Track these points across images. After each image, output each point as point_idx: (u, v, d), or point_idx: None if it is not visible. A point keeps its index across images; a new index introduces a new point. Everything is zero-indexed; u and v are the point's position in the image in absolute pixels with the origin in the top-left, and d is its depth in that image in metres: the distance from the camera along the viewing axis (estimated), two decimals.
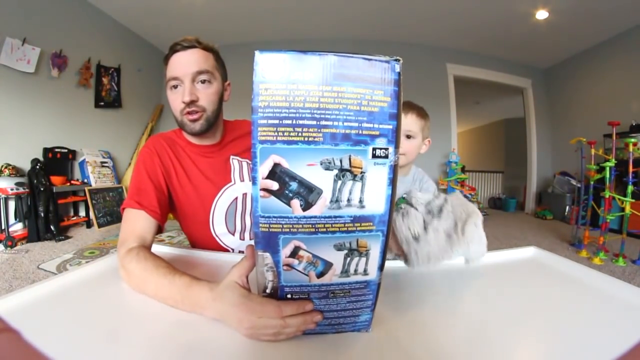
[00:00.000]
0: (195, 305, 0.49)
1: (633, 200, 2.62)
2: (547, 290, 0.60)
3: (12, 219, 2.79)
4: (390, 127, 0.33)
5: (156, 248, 0.84)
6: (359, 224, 0.35)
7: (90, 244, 2.83)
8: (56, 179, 3.14)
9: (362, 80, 0.32)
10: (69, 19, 3.36)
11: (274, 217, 0.34)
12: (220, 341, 0.44)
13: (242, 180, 0.88)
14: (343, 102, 0.32)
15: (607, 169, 2.76)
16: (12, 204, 2.81)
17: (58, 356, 0.38)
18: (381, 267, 0.38)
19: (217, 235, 0.86)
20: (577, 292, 0.60)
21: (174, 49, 0.79)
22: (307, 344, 0.43)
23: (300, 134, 0.32)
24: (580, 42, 4.27)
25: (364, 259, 0.37)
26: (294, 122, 0.31)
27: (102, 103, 3.83)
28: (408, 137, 0.89)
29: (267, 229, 0.34)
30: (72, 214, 3.51)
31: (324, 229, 0.35)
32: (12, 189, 2.70)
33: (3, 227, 2.67)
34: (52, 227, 2.94)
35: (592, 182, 3.01)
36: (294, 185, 0.33)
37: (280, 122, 0.31)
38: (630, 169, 2.66)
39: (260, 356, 0.41)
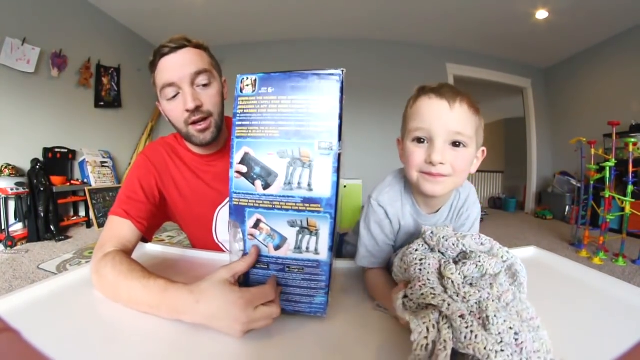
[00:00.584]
0: (173, 311, 0.46)
1: (633, 200, 2.62)
2: (547, 290, 0.60)
3: (12, 219, 2.79)
4: (334, 124, 0.41)
5: (156, 248, 0.84)
6: (308, 205, 0.42)
7: (90, 244, 2.83)
8: (56, 179, 3.14)
9: (311, 89, 0.41)
10: (69, 19, 3.35)
11: (243, 193, 0.43)
12: (219, 335, 0.44)
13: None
14: (294, 107, 0.41)
15: (607, 168, 2.75)
16: (12, 204, 2.81)
17: (58, 356, 0.38)
18: (331, 248, 0.43)
19: (220, 242, 0.85)
20: (577, 292, 0.60)
21: (162, 52, 0.70)
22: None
23: (263, 131, 0.42)
24: (580, 42, 4.26)
25: (314, 238, 0.43)
26: (259, 122, 0.42)
27: (102, 103, 3.83)
28: (456, 144, 0.52)
29: (238, 202, 0.44)
30: (72, 214, 3.51)
31: (279, 206, 0.42)
32: (12, 189, 2.70)
33: (3, 227, 2.67)
34: (52, 227, 2.94)
35: (592, 182, 3.00)
36: (257, 169, 0.42)
37: (250, 123, 0.42)
38: (630, 169, 2.65)
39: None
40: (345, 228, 0.95)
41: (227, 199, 0.79)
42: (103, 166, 3.72)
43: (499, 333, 0.33)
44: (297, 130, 0.41)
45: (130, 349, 0.42)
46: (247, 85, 0.43)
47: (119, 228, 0.67)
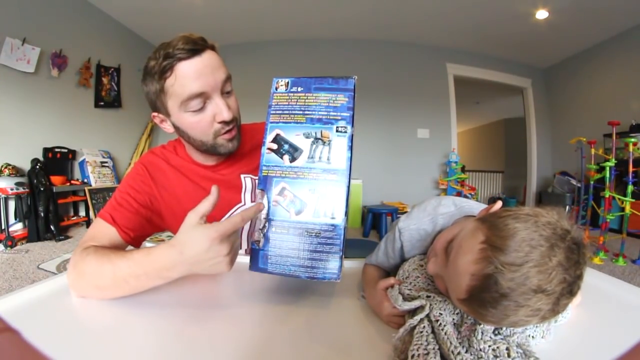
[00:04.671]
0: (161, 270, 0.48)
1: (633, 200, 2.62)
2: None
3: (12, 219, 2.79)
4: (348, 114, 0.51)
5: None
6: (327, 175, 0.50)
7: None
8: (56, 179, 3.14)
9: (330, 89, 0.52)
10: (69, 18, 3.36)
11: (272, 165, 0.52)
12: (223, 332, 0.44)
13: (253, 200, 0.75)
14: (318, 101, 0.52)
15: (607, 168, 2.76)
16: (12, 204, 2.81)
17: (58, 356, 0.38)
18: (346, 213, 0.50)
19: None
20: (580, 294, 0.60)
21: (179, 56, 0.59)
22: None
23: (293, 118, 0.53)
24: (580, 42, 4.26)
25: (331, 204, 0.50)
26: (290, 112, 0.53)
27: (102, 103, 3.83)
28: None
29: (267, 173, 0.52)
30: (72, 213, 3.51)
31: (303, 176, 0.51)
32: (12, 189, 2.70)
33: (3, 227, 2.67)
34: (52, 227, 2.94)
35: (592, 182, 3.01)
36: (286, 146, 0.52)
37: (282, 112, 0.53)
38: (630, 169, 2.66)
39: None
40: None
41: (235, 207, 0.76)
42: (103, 166, 3.72)
43: (480, 349, 0.37)
44: (319, 117, 0.52)
45: (130, 348, 0.42)
46: (281, 85, 0.54)
47: (103, 233, 0.64)
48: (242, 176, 0.76)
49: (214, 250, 0.45)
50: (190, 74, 0.59)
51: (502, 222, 0.35)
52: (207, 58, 0.61)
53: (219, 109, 0.63)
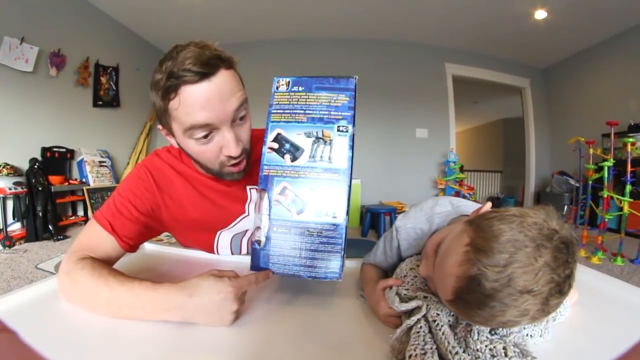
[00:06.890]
0: (160, 308, 0.46)
1: (631, 200, 2.63)
2: None
3: (10, 219, 2.78)
4: (349, 114, 0.52)
5: (154, 248, 0.83)
6: (328, 174, 0.50)
7: None
8: (54, 179, 3.13)
9: (332, 89, 0.53)
10: (67, 17, 3.34)
11: (273, 165, 0.52)
12: (222, 332, 0.44)
13: (257, 212, 0.75)
14: (319, 100, 0.53)
15: (606, 168, 2.76)
16: (10, 204, 2.80)
17: (55, 357, 0.38)
18: (347, 212, 0.50)
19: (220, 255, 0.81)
20: (576, 292, 0.60)
21: (184, 79, 0.51)
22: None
23: (294, 117, 0.53)
24: (579, 42, 4.27)
25: (333, 203, 0.49)
26: (291, 111, 0.53)
27: (100, 102, 3.82)
28: None
29: (268, 173, 0.52)
30: (70, 213, 3.50)
31: (304, 175, 0.51)
32: (10, 189, 2.70)
33: (1, 227, 2.66)
34: (50, 227, 2.94)
35: (590, 182, 3.01)
36: (287, 146, 0.52)
37: (283, 111, 0.53)
38: (629, 169, 2.66)
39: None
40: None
41: (239, 217, 0.74)
42: (101, 166, 3.71)
43: (477, 349, 0.37)
44: (321, 117, 0.52)
45: (129, 349, 0.42)
46: (282, 85, 0.54)
47: (101, 241, 0.60)
48: (247, 187, 0.74)
49: (225, 305, 0.45)
50: (196, 103, 0.52)
51: (488, 224, 0.35)
52: (219, 83, 0.53)
53: (226, 143, 0.57)
